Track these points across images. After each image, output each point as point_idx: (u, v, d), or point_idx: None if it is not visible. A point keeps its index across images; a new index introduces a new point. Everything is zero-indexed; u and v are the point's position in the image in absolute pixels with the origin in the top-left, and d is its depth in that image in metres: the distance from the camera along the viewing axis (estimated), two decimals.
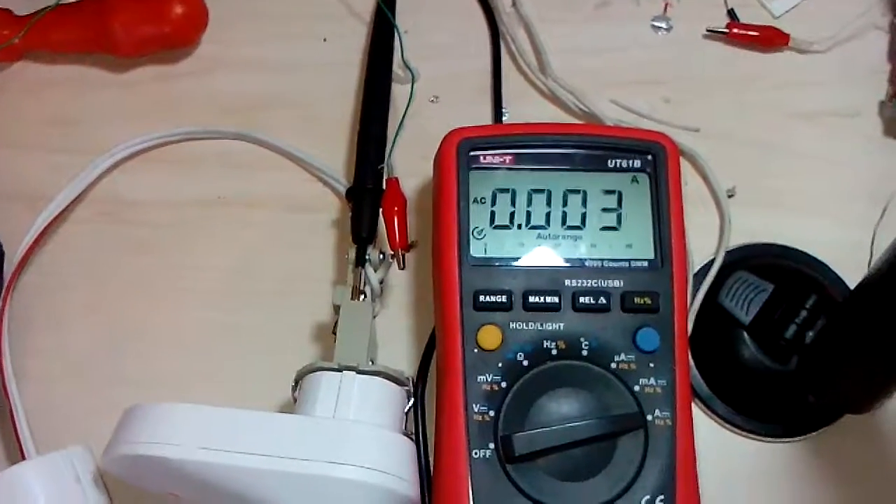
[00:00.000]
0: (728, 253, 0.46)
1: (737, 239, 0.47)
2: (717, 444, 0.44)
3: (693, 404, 0.43)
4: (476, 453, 0.38)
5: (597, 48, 0.50)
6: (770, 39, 0.50)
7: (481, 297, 0.40)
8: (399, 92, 0.48)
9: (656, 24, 0.51)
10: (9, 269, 0.45)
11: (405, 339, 0.45)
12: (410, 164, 0.46)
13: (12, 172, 0.48)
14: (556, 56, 0.49)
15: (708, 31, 0.50)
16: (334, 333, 0.41)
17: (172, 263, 0.47)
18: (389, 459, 0.37)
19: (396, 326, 0.45)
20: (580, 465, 0.38)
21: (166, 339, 0.45)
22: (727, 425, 0.44)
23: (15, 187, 0.48)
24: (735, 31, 0.50)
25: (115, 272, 0.46)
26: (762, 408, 0.44)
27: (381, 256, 0.44)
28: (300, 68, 0.50)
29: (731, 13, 0.50)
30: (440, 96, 0.49)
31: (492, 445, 0.38)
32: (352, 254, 0.43)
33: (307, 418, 0.38)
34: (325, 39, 0.51)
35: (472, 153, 0.42)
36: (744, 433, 0.44)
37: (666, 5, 0.51)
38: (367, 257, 0.43)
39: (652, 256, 0.41)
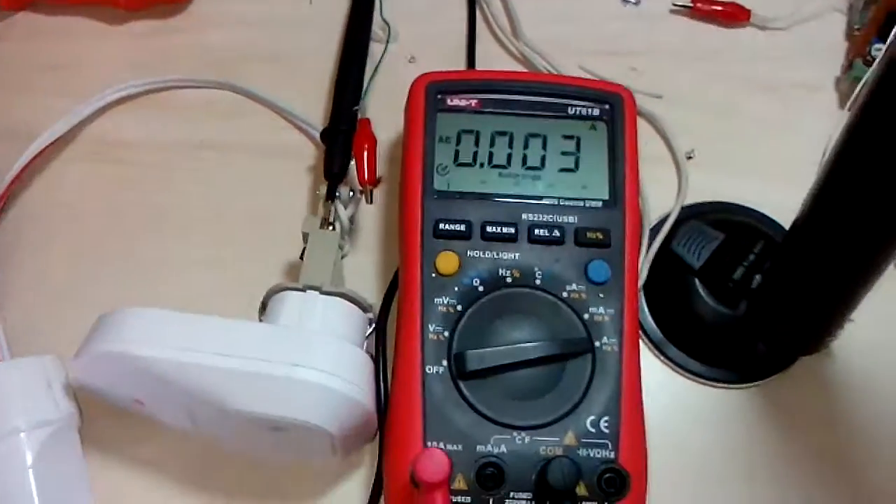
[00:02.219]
0: (683, 209, 0.48)
1: (693, 199, 0.49)
2: (670, 389, 0.45)
3: (646, 346, 0.46)
4: (430, 369, 0.40)
5: (567, 17, 0.53)
6: (732, 15, 0.52)
7: (441, 226, 0.42)
8: (376, 50, 0.51)
9: None
10: None
11: (370, 278, 0.47)
12: (386, 118, 0.48)
13: (5, 114, 0.50)
14: (527, 23, 0.52)
15: (675, 5, 0.53)
16: (301, 259, 0.44)
17: (155, 201, 0.49)
18: (347, 367, 0.39)
19: (362, 266, 0.47)
20: (529, 385, 0.40)
21: (145, 270, 0.47)
22: (680, 370, 0.45)
23: (7, 126, 0.50)
24: (699, 5, 0.52)
25: (99, 208, 0.48)
26: (715, 354, 0.45)
27: (351, 194, 0.46)
28: (285, 26, 0.53)
29: None
30: (417, 57, 0.52)
31: (445, 363, 0.40)
32: (323, 189, 0.45)
33: (271, 326, 0.40)
34: (310, 2, 0.53)
35: (439, 95, 0.44)
36: (697, 378, 0.45)
37: None
38: (337, 194, 0.45)
39: (606, 197, 0.43)
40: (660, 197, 0.48)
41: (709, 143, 0.50)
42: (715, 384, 0.45)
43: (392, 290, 0.45)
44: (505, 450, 0.39)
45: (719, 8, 0.52)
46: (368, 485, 0.42)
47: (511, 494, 0.38)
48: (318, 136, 0.49)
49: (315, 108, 0.50)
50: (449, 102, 0.44)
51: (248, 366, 0.38)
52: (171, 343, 0.38)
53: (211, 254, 0.47)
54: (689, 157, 0.50)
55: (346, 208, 0.45)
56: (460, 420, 0.39)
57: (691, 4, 0.52)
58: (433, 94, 0.44)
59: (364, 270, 0.47)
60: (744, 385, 0.45)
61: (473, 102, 0.44)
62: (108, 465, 0.43)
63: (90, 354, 0.39)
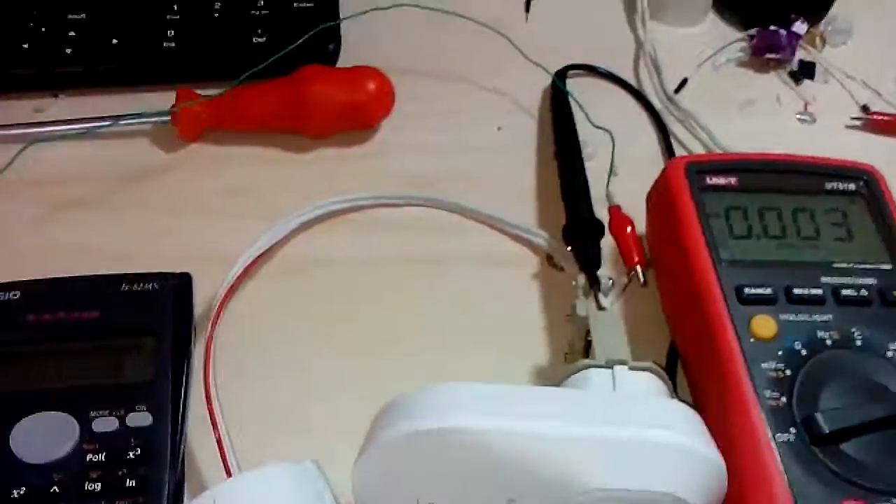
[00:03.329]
0: None
1: None
2: None
3: None
4: (780, 437, 0.35)
5: (749, 135, 0.53)
6: None
7: (746, 291, 0.39)
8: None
9: (801, 117, 0.55)
10: (208, 312, 0.41)
11: None
12: None
13: (196, 238, 0.46)
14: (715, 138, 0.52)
15: (852, 118, 0.54)
16: (586, 343, 0.39)
17: (363, 315, 0.44)
18: (697, 428, 0.33)
19: None
20: (884, 447, 0.35)
21: (368, 383, 0.41)
22: None
23: (200, 250, 0.45)
24: (875, 116, 0.54)
25: (303, 324, 0.44)
26: None
27: (610, 281, 0.42)
28: (476, 149, 0.51)
29: (865, 108, 0.55)
30: (618, 171, 0.50)
31: (793, 430, 0.35)
32: (581, 280, 0.42)
33: (595, 392, 0.35)
34: (498, 128, 0.52)
35: (699, 174, 0.43)
36: None
37: (805, 104, 0.55)
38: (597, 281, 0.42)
39: (891, 263, 0.41)
40: None
41: None
42: None
43: (671, 362, 0.41)
44: None
45: (893, 120, 0.54)
46: None
47: None
48: (540, 241, 0.46)
49: (523, 217, 0.48)
50: (709, 181, 0.43)
51: (594, 429, 0.32)
52: (499, 412, 0.32)
53: (430, 366, 0.42)
54: None
55: (605, 296, 0.42)
56: (828, 488, 0.34)
57: (868, 116, 0.54)
58: (693, 173, 0.43)
59: None
60: None
61: (732, 181, 0.43)
62: None
63: (392, 440, 0.32)
